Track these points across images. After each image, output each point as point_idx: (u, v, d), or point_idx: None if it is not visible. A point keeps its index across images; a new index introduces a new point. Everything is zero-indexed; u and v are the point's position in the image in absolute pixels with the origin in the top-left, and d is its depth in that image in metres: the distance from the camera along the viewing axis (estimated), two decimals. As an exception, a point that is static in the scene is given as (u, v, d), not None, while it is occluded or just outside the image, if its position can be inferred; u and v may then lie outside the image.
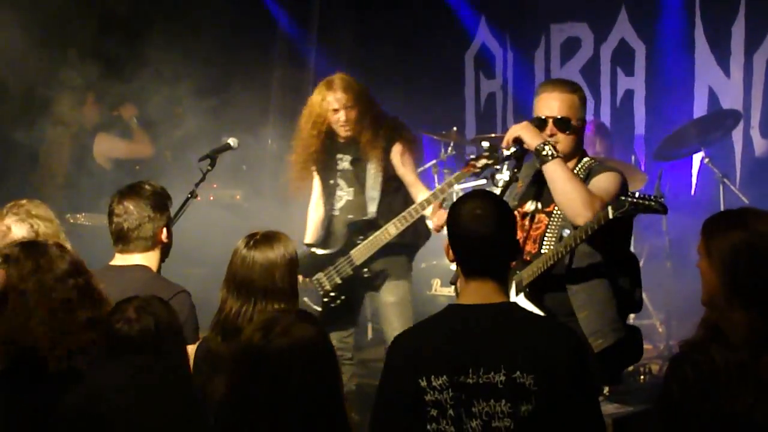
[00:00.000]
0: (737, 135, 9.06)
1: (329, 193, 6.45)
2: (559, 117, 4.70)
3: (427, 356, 3.23)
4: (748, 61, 9.10)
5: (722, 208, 7.22)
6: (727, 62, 9.19)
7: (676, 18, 9.43)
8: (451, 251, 3.41)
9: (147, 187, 4.72)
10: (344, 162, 6.38)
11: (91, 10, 8.49)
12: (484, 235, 3.31)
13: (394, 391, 3.28)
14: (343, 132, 6.26)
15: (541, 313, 4.49)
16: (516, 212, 4.77)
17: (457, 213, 3.39)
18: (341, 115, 6.20)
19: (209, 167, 5.93)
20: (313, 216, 6.65)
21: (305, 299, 6.43)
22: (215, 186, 9.05)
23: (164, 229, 4.69)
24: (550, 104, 4.74)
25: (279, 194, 8.88)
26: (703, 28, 9.32)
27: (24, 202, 4.76)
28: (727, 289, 3.03)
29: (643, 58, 9.76)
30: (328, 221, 6.45)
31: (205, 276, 7.13)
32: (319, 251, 6.38)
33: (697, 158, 8.96)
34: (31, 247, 3.76)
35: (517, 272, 4.66)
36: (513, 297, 4.62)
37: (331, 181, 6.43)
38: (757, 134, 9.10)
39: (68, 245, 4.23)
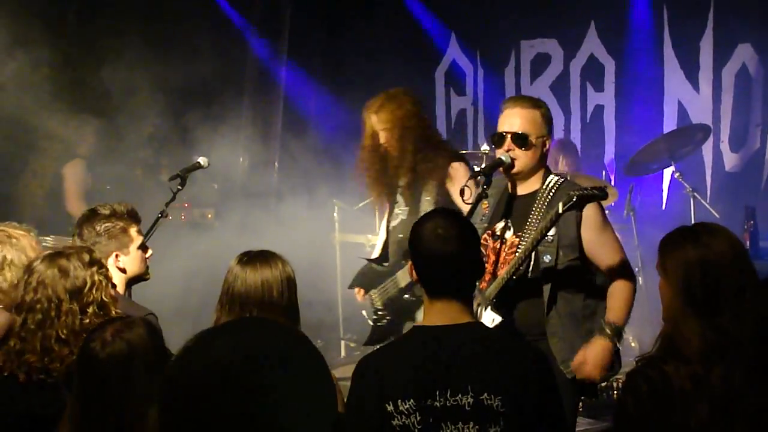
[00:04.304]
0: (707, 149, 9.12)
1: (391, 209, 6.22)
2: (516, 132, 4.71)
3: (393, 380, 3.20)
4: (717, 76, 9.17)
5: (693, 222, 7.25)
6: (696, 77, 9.26)
7: (645, 33, 9.49)
8: (414, 271, 3.38)
9: (102, 211, 4.68)
10: (403, 179, 6.09)
11: (59, 31, 8.43)
12: (446, 255, 3.27)
13: (360, 416, 3.24)
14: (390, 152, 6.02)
15: (500, 318, 4.53)
16: (486, 233, 4.79)
17: (419, 232, 3.35)
18: (381, 137, 5.98)
19: (179, 186, 5.87)
20: (381, 232, 6.46)
21: (363, 312, 6.29)
22: (187, 205, 9.02)
23: (115, 255, 4.63)
24: (510, 120, 4.77)
25: (251, 213, 8.89)
26: (672, 44, 9.39)
27: (13, 224, 4.64)
28: (681, 303, 3.09)
29: (613, 73, 9.82)
30: (387, 237, 6.25)
31: (177, 295, 7.10)
32: (375, 266, 6.20)
33: (667, 173, 9.02)
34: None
35: (487, 290, 4.67)
36: (482, 313, 4.63)
37: (393, 197, 6.17)
38: (727, 148, 9.16)
39: None
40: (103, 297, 3.90)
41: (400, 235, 6.01)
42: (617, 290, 4.60)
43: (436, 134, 6.21)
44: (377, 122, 5.98)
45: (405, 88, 6.17)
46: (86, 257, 3.92)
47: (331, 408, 1.84)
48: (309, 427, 1.76)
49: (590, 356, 4.48)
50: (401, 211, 6.10)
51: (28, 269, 3.87)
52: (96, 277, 3.90)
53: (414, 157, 5.91)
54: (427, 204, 5.88)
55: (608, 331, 4.49)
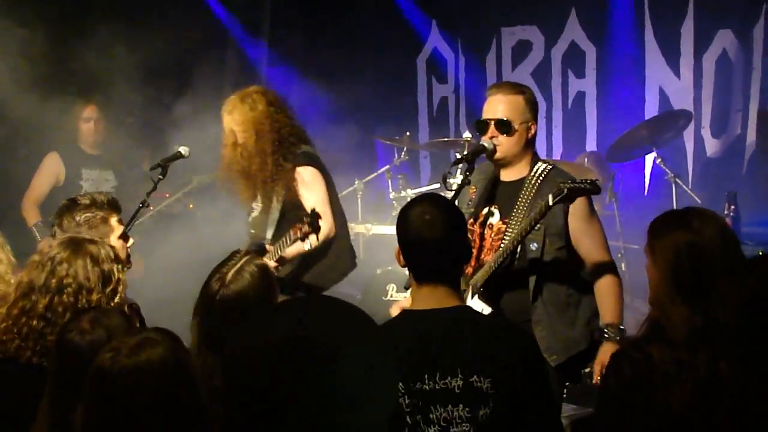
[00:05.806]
0: (688, 135, 9.16)
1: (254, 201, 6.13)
2: (499, 119, 4.71)
3: None
4: (698, 62, 9.21)
5: (675, 208, 7.26)
6: (677, 63, 9.30)
7: (626, 20, 9.52)
8: (401, 257, 3.37)
9: (82, 201, 4.65)
10: (261, 179, 5.94)
11: (37, 18, 8.35)
12: (434, 240, 3.26)
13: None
14: None
15: (489, 309, 4.57)
16: (471, 219, 4.79)
17: (406, 218, 3.33)
18: (238, 137, 5.86)
19: (160, 176, 5.84)
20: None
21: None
22: (167, 195, 8.97)
23: None
24: (493, 107, 4.78)
25: (231, 203, 8.86)
26: (653, 30, 9.42)
27: None
28: (669, 287, 3.09)
29: (594, 60, 9.84)
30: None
31: (158, 286, 7.06)
32: None
33: (649, 159, 9.04)
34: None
35: (474, 277, 4.68)
36: (468, 300, 4.63)
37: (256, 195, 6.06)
38: (708, 134, 9.20)
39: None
40: (122, 289, 3.86)
41: (252, 231, 5.99)
42: (606, 289, 4.67)
43: (292, 135, 5.93)
44: (232, 122, 5.86)
45: (260, 87, 6.05)
46: (110, 250, 3.87)
47: (392, 388, 1.84)
48: (372, 404, 1.76)
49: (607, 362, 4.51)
50: (256, 207, 6.01)
51: (47, 255, 3.77)
52: (120, 274, 3.86)
53: (271, 158, 5.78)
54: (275, 208, 5.82)
55: (611, 334, 4.61)
